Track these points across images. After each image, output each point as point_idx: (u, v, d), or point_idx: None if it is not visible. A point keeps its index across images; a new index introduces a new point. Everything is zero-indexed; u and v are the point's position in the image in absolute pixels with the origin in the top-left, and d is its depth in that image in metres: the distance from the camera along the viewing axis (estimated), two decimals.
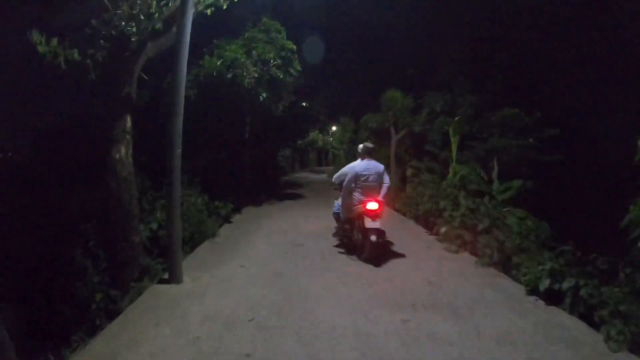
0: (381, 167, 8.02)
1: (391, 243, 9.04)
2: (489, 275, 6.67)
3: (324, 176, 34.47)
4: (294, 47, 14.30)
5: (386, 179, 8.06)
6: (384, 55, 18.25)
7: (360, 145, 8.20)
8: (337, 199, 9.42)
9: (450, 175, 11.07)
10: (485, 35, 14.53)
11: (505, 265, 6.69)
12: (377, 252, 7.37)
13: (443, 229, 8.81)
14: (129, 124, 6.47)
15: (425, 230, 10.52)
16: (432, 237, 9.63)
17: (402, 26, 16.68)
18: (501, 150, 11.06)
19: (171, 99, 6.08)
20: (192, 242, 8.54)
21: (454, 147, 11.12)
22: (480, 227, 7.69)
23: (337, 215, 9.12)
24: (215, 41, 13.37)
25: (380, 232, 7.68)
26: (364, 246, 7.43)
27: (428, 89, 15.56)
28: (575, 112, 10.74)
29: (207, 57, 11.98)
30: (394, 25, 17.30)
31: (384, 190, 7.85)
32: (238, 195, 14.26)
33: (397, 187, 15.24)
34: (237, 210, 13.00)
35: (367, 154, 7.95)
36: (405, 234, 10.02)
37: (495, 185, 9.35)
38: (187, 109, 6.27)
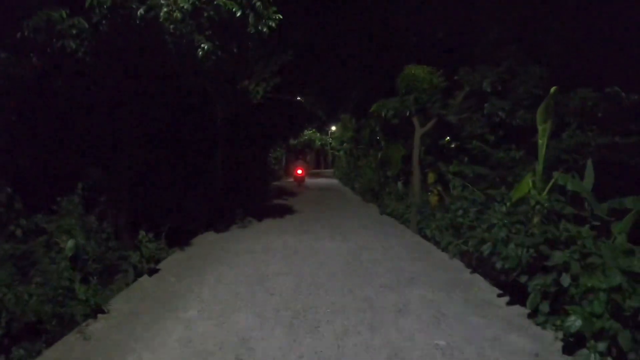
0: None
1: None
2: None
3: (323, 181, 29.90)
4: None
5: None
6: (396, 22, 13.76)
7: None
8: None
9: (531, 187, 6.61)
10: None
11: None
12: None
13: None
14: None
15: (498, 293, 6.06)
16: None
17: None
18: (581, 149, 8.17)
19: None
20: (42, 335, 4.08)
21: (542, 140, 6.64)
22: None
23: None
24: None
25: None
26: None
27: (461, 64, 11.16)
28: None
29: None
30: None
31: None
32: (193, 215, 9.81)
33: (424, 201, 10.79)
34: (184, 241, 8.53)
35: None
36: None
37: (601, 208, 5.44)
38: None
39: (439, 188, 12.06)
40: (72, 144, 7.59)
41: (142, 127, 8.52)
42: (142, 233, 7.50)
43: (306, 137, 37.55)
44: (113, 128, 7.82)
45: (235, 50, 7.17)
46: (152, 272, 6.57)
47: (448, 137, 14.85)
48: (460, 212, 7.59)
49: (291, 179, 30.73)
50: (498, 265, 5.54)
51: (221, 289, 5.72)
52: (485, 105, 9.98)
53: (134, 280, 6.26)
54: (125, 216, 8.11)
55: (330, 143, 38.44)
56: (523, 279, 5.38)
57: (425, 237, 9.63)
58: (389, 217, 12.24)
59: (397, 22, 13.69)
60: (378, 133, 18.47)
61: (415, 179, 11.16)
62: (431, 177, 12.29)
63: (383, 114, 11.27)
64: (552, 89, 6.59)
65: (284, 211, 12.99)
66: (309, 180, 29.83)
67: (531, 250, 5.33)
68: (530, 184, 6.91)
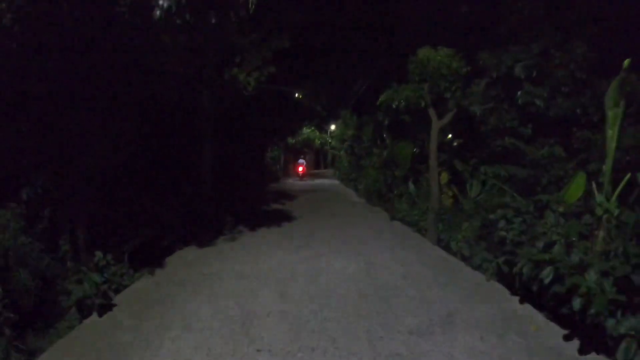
0: None
1: None
2: None
3: (324, 182, 28.28)
4: None
5: None
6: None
7: None
8: None
9: (595, 192, 5.05)
10: None
11: None
12: None
13: None
14: None
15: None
16: None
17: None
18: None
19: None
20: None
21: (613, 130, 5.05)
22: None
23: None
24: None
25: None
26: None
27: (481, 46, 9.62)
28: None
29: None
30: None
31: None
32: (172, 226, 8.26)
33: (444, 206, 9.24)
34: (156, 260, 6.97)
35: None
36: None
37: None
38: None
39: (454, 189, 10.59)
40: (11, 143, 6.02)
41: (107, 123, 6.94)
42: (98, 255, 5.96)
43: (305, 136, 35.95)
44: (66, 122, 6.24)
45: (213, 21, 5.59)
46: (104, 309, 4.99)
47: (450, 135, 13.36)
48: (502, 222, 5.98)
49: (290, 180, 29.14)
50: (576, 304, 3.97)
51: (189, 341, 4.12)
52: (518, 93, 8.44)
53: (80, 322, 4.71)
54: (84, 231, 6.54)
55: (330, 142, 36.89)
56: (610, 323, 3.84)
57: (445, 248, 8.10)
58: (400, 223, 10.67)
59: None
60: (383, 129, 16.94)
61: (432, 180, 9.59)
62: (444, 177, 10.81)
63: (394, 105, 9.70)
64: (626, 62, 5.03)
65: (281, 218, 11.41)
66: (308, 182, 28.25)
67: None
68: (583, 187, 5.38)
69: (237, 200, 14.05)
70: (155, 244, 7.60)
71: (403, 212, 10.89)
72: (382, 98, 10.24)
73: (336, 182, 27.58)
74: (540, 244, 5.12)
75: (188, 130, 11.05)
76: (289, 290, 5.55)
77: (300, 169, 30.62)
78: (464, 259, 7.31)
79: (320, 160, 51.36)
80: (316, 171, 45.75)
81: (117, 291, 5.80)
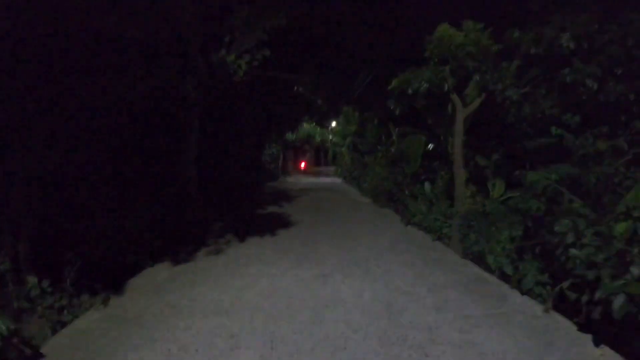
0: None
1: None
2: None
3: (325, 180, 26.72)
4: None
5: None
6: None
7: None
8: None
9: None
10: None
11: None
12: None
13: None
14: None
15: None
16: None
17: None
18: None
19: None
20: None
21: None
22: None
23: None
24: None
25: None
26: None
27: (515, 20, 8.09)
28: None
29: None
30: None
31: None
32: (142, 237, 6.77)
33: (472, 210, 7.72)
34: (118, 283, 5.48)
35: None
36: None
37: None
38: None
39: (472, 188, 9.13)
40: None
41: (57, 113, 5.42)
42: (31, 282, 4.50)
43: (305, 132, 34.37)
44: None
45: None
46: None
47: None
48: (571, 236, 4.45)
49: (290, 179, 27.60)
50: None
51: None
52: (565, 70, 6.89)
53: None
54: (26, 249, 5.05)
55: (331, 139, 35.34)
56: None
57: (475, 260, 6.63)
58: (416, 229, 9.18)
59: None
60: (390, 123, 15.42)
61: (457, 179, 8.09)
62: (462, 175, 9.34)
63: (410, 90, 8.15)
64: None
65: (277, 224, 9.88)
66: (308, 180, 26.68)
67: None
68: None
69: (228, 203, 12.55)
70: (119, 261, 6.11)
71: (419, 215, 9.38)
72: (395, 82, 8.68)
73: (338, 180, 26.04)
74: (638, 271, 3.62)
75: (169, 123, 9.53)
76: (282, 338, 4.01)
77: (303, 164, 36.78)
78: (503, 276, 5.83)
79: (320, 157, 49.79)
80: (317, 169, 44.21)
81: (55, 330, 4.34)
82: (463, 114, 7.96)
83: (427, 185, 10.11)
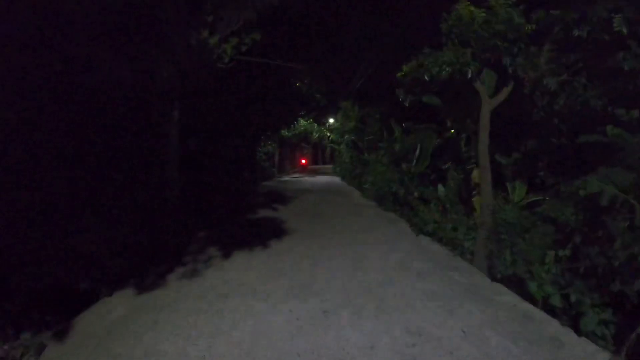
0: None
1: None
2: None
3: (323, 179, 25.40)
4: None
5: None
6: None
7: None
8: None
9: None
10: None
11: None
12: None
13: None
14: None
15: None
16: None
17: None
18: None
19: None
20: None
21: None
22: None
23: None
24: None
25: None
26: None
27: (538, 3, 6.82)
28: None
29: None
30: None
31: None
32: (101, 258, 5.50)
33: (502, 220, 6.45)
34: (61, 320, 4.22)
35: None
36: None
37: None
38: None
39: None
40: None
41: None
42: None
43: (302, 128, 33.01)
44: None
45: None
46: None
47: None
48: None
49: (286, 177, 26.32)
50: None
51: None
52: (621, 55, 5.63)
53: None
54: None
55: (329, 136, 34.01)
56: None
57: (506, 282, 5.40)
58: (430, 240, 7.90)
59: None
60: (392, 120, 14.17)
61: (483, 183, 6.83)
62: (476, 176, 8.19)
63: (426, 77, 6.86)
64: None
65: (270, 232, 8.60)
66: (305, 179, 25.36)
67: None
68: None
69: (216, 208, 11.27)
70: (69, 288, 4.83)
71: (432, 223, 8.12)
72: (406, 69, 7.39)
73: (337, 179, 24.74)
74: None
75: (144, 117, 8.23)
76: None
77: (303, 161, 37.73)
78: (546, 305, 4.60)
79: (318, 155, 48.49)
80: (315, 167, 42.86)
81: None
82: (489, 105, 6.69)
83: (440, 189, 8.86)
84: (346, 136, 22.43)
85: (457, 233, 7.12)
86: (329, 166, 38.50)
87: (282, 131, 27.24)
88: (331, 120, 33.36)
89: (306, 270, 6.03)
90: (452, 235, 7.32)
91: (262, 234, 8.49)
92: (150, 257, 6.45)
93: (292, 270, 6.00)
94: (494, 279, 5.83)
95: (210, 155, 12.61)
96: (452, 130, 10.59)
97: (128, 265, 5.81)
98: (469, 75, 6.58)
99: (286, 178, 26.05)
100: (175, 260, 6.47)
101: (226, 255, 6.79)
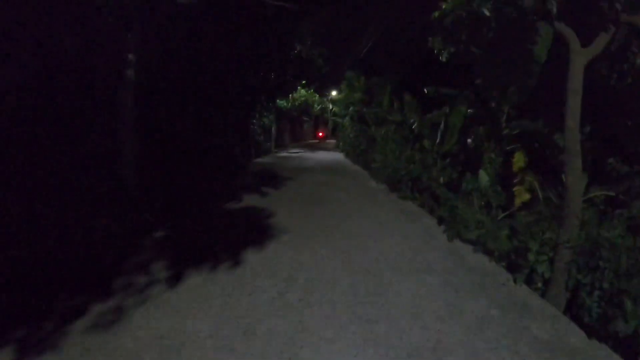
0: None
1: None
2: None
3: (324, 156, 23.08)
4: None
5: None
6: None
7: None
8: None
9: None
10: None
11: None
12: None
13: None
14: None
15: None
16: None
17: None
18: None
19: None
20: None
21: None
22: None
23: None
24: None
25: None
26: None
27: None
28: None
29: None
30: None
31: None
32: None
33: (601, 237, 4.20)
34: None
35: None
36: None
37: None
38: None
39: (531, 178, 5.84)
40: None
41: None
42: None
43: (302, 99, 30.44)
44: None
45: None
46: None
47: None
48: None
49: (284, 153, 24.02)
50: None
51: None
52: None
53: None
54: None
55: (332, 109, 31.54)
56: None
57: (608, 340, 3.25)
58: (472, 250, 5.68)
59: None
60: (405, 92, 11.86)
61: (571, 175, 4.49)
62: (518, 160, 6.03)
63: (485, 10, 4.48)
64: None
65: (247, 235, 6.36)
66: (305, 155, 22.98)
67: None
68: None
69: (191, 193, 9.05)
70: None
71: (475, 227, 5.87)
72: (448, 5, 5.02)
73: (340, 156, 22.42)
74: None
75: (83, 78, 5.94)
76: None
77: (321, 134, 42.93)
78: None
79: (319, 129, 46.00)
80: (315, 141, 40.41)
81: None
82: (583, 57, 4.34)
83: (483, 176, 6.55)
84: (351, 108, 20.13)
85: (531, 253, 4.84)
86: (331, 141, 36.18)
87: (280, 102, 24.79)
88: (334, 93, 30.99)
89: (292, 313, 3.81)
90: (507, 246, 5.08)
91: (238, 235, 6.27)
92: (64, 282, 4.23)
93: (271, 318, 3.75)
94: (569, 316, 3.71)
95: (189, 127, 10.33)
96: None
97: (21, 302, 3.60)
98: (554, 11, 4.19)
99: (284, 154, 23.66)
100: (101, 286, 4.24)
101: (176, 277, 4.54)
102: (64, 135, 5.98)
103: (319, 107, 34.37)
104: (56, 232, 4.91)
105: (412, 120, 11.12)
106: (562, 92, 4.55)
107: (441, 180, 8.20)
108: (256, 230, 6.53)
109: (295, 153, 24.54)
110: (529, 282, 4.56)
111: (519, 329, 3.56)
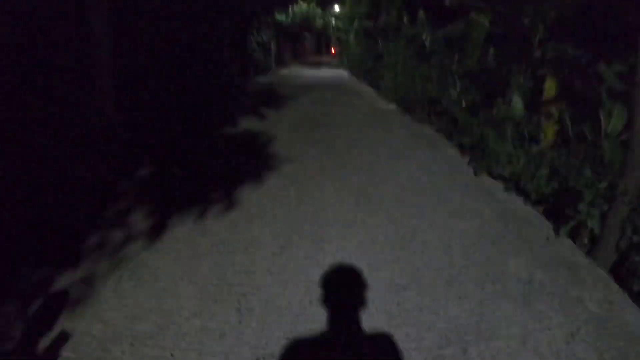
0: None
1: None
2: None
3: (327, 73, 21.76)
4: None
5: None
6: None
7: None
8: None
9: None
10: None
11: None
12: None
13: None
14: None
15: None
16: None
17: None
18: None
19: None
20: None
21: None
22: None
23: None
24: None
25: None
26: None
27: None
28: None
29: None
30: None
31: None
32: None
33: None
34: None
35: None
36: None
37: None
38: None
39: (564, 110, 4.94)
40: None
41: None
42: None
43: (304, 14, 28.34)
44: None
45: None
46: None
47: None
48: None
49: (285, 70, 22.65)
50: None
51: None
52: None
53: None
54: None
55: (335, 24, 29.48)
56: None
57: None
58: (502, 189, 4.93)
59: None
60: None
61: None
62: (550, 87, 5.07)
63: None
64: None
65: (244, 166, 5.60)
66: (308, 73, 21.66)
67: None
68: None
69: (184, 118, 8.17)
70: None
71: (505, 164, 5.06)
72: None
73: (344, 73, 21.09)
74: None
75: None
76: None
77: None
78: None
79: (322, 45, 43.70)
80: (317, 58, 38.45)
81: None
82: None
83: (517, 103, 5.61)
84: (356, 23, 18.59)
85: (551, 185, 4.07)
86: (336, 58, 34.35)
87: (279, 16, 23.01)
88: (337, 7, 28.92)
89: (299, 276, 3.12)
90: (547, 189, 4.31)
91: (233, 168, 5.51)
92: (30, 247, 3.52)
93: (268, 283, 3.06)
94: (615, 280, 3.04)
95: (179, 47, 9.21)
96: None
97: None
98: None
99: (285, 71, 22.29)
100: (69, 249, 3.53)
101: (158, 229, 3.82)
102: (28, 63, 5.01)
103: (321, 22, 32.21)
104: (23, 189, 4.14)
105: (424, 35, 9.96)
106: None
107: (463, 104, 7.27)
108: (254, 162, 5.75)
109: (297, 70, 23.16)
110: (572, 235, 3.83)
111: (572, 301, 2.87)
